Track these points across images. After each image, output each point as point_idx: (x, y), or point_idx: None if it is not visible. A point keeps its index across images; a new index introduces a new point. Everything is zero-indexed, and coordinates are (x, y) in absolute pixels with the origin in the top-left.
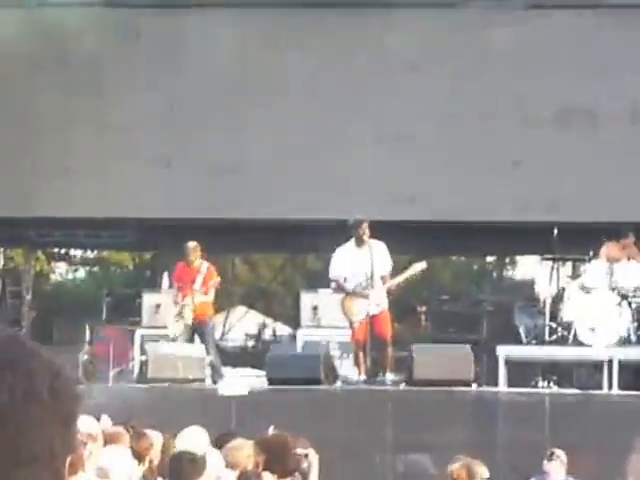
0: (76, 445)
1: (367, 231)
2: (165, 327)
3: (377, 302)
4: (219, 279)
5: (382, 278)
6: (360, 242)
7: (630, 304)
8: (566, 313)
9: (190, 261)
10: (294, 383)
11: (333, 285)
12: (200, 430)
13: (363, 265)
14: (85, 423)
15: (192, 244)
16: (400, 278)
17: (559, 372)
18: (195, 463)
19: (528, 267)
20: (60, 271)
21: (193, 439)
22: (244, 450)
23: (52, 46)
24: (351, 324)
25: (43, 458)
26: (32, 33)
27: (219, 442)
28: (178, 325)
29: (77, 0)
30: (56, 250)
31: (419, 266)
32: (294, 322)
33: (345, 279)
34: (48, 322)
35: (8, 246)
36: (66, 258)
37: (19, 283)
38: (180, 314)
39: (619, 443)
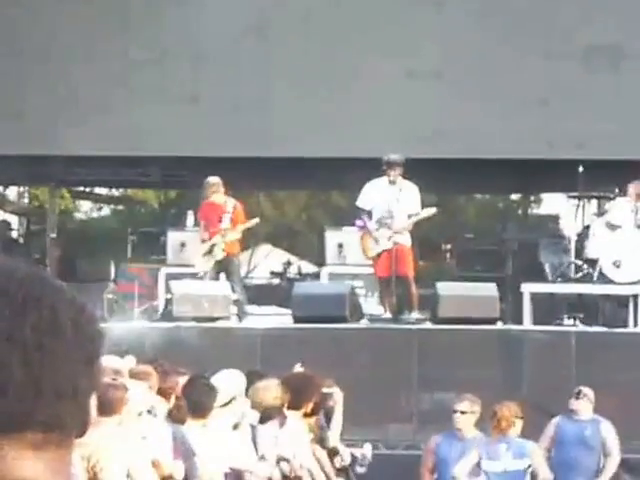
0: (99, 383)
1: (398, 171)
2: (190, 265)
3: (394, 239)
4: (257, 220)
5: (408, 217)
6: (391, 181)
7: None
8: (591, 250)
9: (210, 194)
10: (319, 321)
11: (358, 223)
12: (236, 373)
13: (389, 202)
14: (111, 361)
15: (213, 179)
16: (411, 221)
17: (584, 309)
18: (209, 388)
19: (553, 204)
20: (85, 209)
21: (229, 382)
22: (271, 392)
23: None
24: (372, 261)
25: (67, 395)
26: None
27: (246, 380)
28: (206, 262)
29: None
30: (81, 188)
31: (429, 211)
32: (319, 260)
33: (370, 213)
34: (73, 260)
35: (33, 184)
36: (91, 196)
37: (44, 221)
38: (210, 252)
39: None
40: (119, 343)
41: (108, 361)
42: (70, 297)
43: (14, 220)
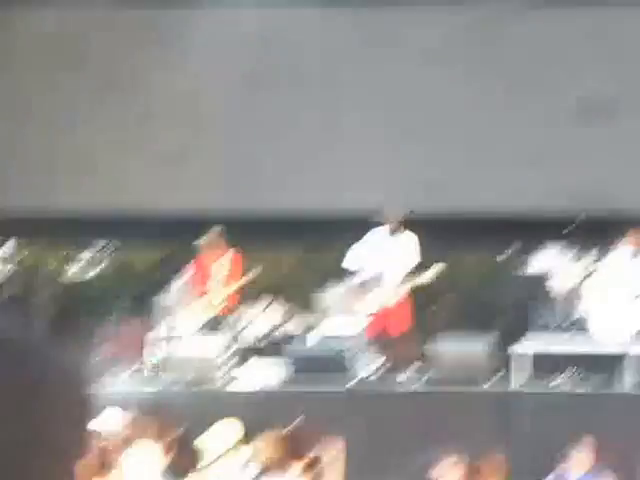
0: (91, 443)
1: (393, 225)
2: (178, 328)
3: (384, 299)
4: (259, 269)
5: (406, 274)
6: (388, 233)
7: None
8: (582, 309)
9: (212, 247)
10: (312, 381)
11: (348, 282)
12: (234, 422)
13: (380, 262)
14: (105, 421)
15: (216, 231)
16: (409, 285)
17: (577, 366)
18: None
19: (546, 260)
20: (74, 270)
21: (226, 430)
22: (271, 444)
23: (68, 45)
24: (364, 320)
25: (59, 453)
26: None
27: (245, 433)
28: (199, 318)
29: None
30: (71, 248)
31: (431, 274)
32: (312, 317)
33: (358, 274)
34: (62, 321)
35: (24, 243)
36: (81, 256)
37: (34, 281)
38: (206, 306)
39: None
40: (108, 405)
41: (100, 423)
42: (61, 358)
43: (4, 279)
